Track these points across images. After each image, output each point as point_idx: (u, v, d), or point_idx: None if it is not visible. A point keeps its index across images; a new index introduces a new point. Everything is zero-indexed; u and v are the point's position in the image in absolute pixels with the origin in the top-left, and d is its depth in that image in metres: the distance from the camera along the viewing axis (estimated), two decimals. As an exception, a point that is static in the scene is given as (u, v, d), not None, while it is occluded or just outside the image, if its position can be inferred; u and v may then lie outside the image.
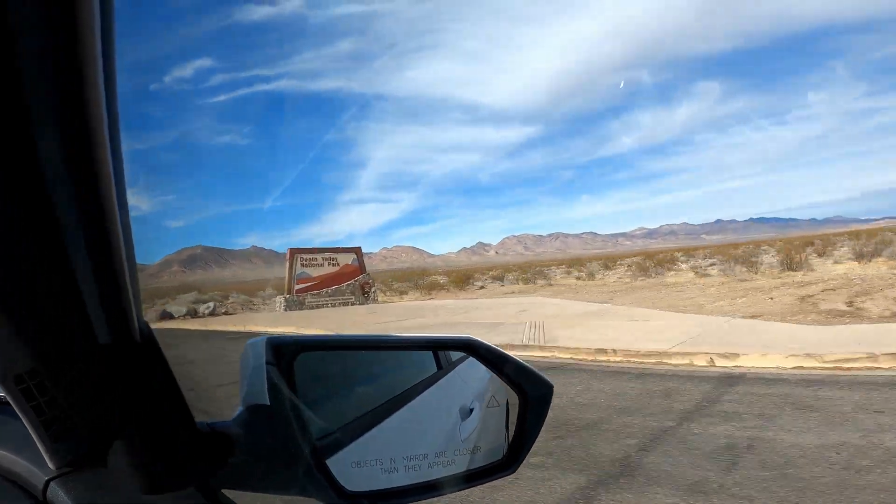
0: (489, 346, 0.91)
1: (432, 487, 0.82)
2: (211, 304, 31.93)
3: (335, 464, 0.73)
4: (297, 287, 30.77)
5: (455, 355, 0.98)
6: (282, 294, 31.64)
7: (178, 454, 0.62)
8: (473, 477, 0.87)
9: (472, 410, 0.93)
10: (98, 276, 0.50)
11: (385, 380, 0.93)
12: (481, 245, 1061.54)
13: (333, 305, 31.00)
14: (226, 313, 31.17)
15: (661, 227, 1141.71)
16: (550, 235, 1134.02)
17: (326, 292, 31.63)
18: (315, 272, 31.66)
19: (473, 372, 0.93)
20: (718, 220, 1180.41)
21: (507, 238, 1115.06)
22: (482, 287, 39.36)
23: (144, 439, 0.60)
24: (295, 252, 31.57)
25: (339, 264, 32.76)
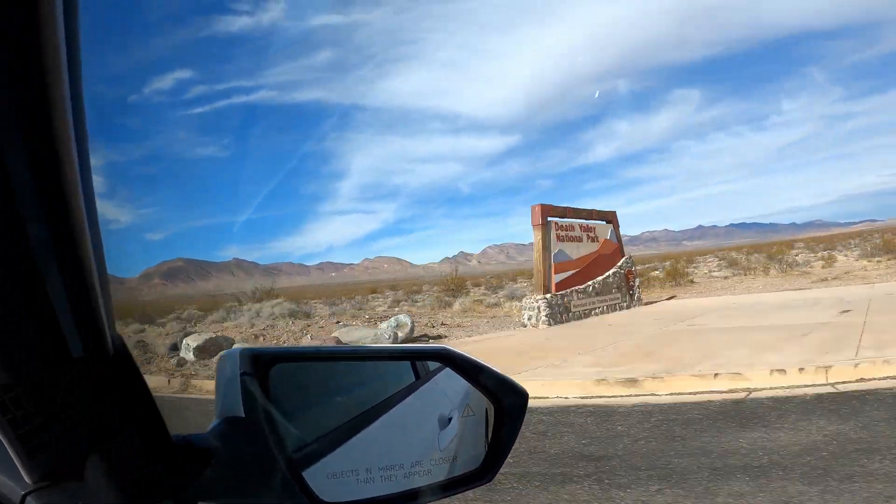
0: (465, 356, 0.91)
1: (409, 497, 0.83)
2: (407, 322, 15.78)
3: (312, 475, 0.74)
4: (556, 279, 16.98)
5: (433, 365, 0.97)
6: (531, 290, 18.78)
7: (154, 467, 0.62)
8: (450, 486, 0.88)
9: (450, 420, 0.93)
10: (69, 288, 0.50)
11: (362, 390, 0.93)
12: (463, 254, 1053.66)
13: (603, 311, 18.18)
14: (426, 336, 16.37)
15: (642, 233, 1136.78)
16: (532, 244, 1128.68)
17: (593, 288, 18.15)
18: (573, 251, 18.12)
19: (451, 381, 0.93)
20: (699, 226, 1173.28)
21: (489, 247, 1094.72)
22: (691, 281, 29.21)
23: (119, 452, 0.60)
24: (547, 213, 17.28)
25: (597, 239, 19.41)
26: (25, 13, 0.38)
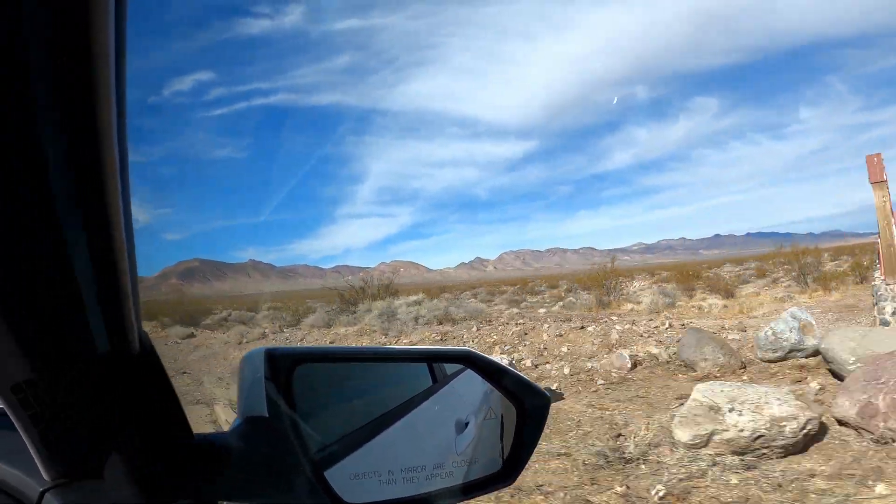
0: (487, 359, 0.92)
1: (430, 499, 0.83)
2: (811, 322, 8.10)
3: (333, 476, 0.73)
4: None
5: (451, 368, 0.98)
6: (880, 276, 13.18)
7: (175, 465, 0.62)
8: (472, 488, 0.88)
9: (467, 423, 0.94)
10: (100, 284, 0.50)
11: (381, 392, 0.93)
12: (479, 260, 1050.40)
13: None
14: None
15: (659, 242, 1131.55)
16: (549, 251, 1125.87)
17: None
18: None
19: (469, 385, 0.93)
20: (717, 235, 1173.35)
21: (506, 253, 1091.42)
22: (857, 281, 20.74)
23: (141, 450, 0.60)
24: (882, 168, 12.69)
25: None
26: (79, 14, 0.38)
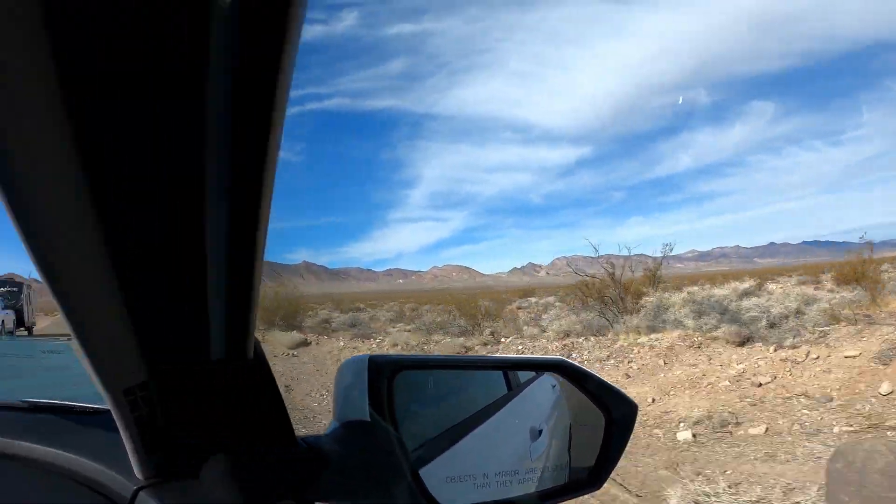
0: (578, 367, 0.95)
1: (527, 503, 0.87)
2: None
3: (427, 476, 0.75)
4: None
5: (524, 376, 1.03)
6: None
7: (277, 467, 0.63)
8: (560, 493, 0.91)
9: (541, 431, 0.97)
10: (230, 295, 0.50)
11: (464, 399, 0.96)
12: (532, 265, 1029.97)
13: None
14: None
15: (713, 249, 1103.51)
16: (601, 257, 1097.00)
17: None
18: None
19: (542, 393, 0.98)
20: (771, 244, 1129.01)
21: (558, 259, 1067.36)
22: None
23: (243, 453, 0.61)
24: None
25: None
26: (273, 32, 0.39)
